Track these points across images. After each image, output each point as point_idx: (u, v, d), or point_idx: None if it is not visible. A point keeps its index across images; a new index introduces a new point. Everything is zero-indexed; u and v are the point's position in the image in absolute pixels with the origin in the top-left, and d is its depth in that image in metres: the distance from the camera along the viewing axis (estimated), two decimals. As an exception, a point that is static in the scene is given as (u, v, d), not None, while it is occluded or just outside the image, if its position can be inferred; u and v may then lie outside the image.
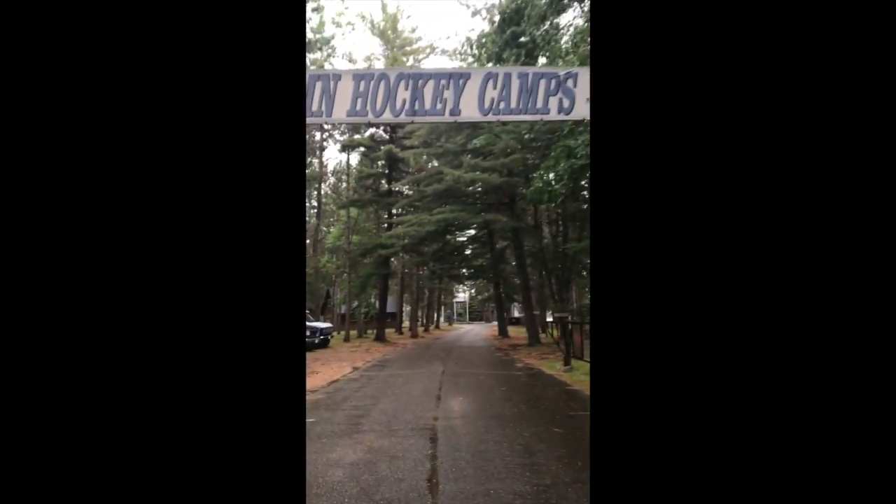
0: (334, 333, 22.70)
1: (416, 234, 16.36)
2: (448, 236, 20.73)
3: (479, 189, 17.54)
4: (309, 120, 4.92)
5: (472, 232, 26.83)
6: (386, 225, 23.17)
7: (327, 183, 37.34)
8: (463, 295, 64.26)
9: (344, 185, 25.04)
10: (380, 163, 23.15)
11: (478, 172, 14.45)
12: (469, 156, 16.01)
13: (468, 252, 26.73)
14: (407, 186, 22.12)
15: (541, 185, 11.38)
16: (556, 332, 12.94)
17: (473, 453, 3.77)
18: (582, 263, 21.19)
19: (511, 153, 14.55)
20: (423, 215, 15.38)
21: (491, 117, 5.34)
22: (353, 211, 26.74)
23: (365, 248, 20.98)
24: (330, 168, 31.60)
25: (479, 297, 59.24)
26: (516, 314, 45.81)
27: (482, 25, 19.21)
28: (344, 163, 26.91)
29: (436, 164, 17.69)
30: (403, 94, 5.07)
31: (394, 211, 22.52)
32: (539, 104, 5.11)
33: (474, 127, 17.06)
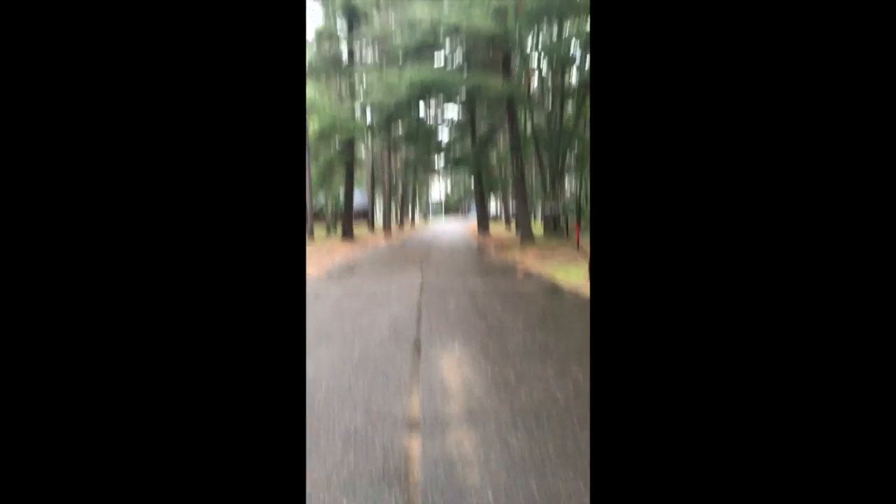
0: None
1: (383, 106, 12.69)
2: (422, 110, 16.94)
3: (463, 47, 13.64)
4: None
5: (451, 117, 23.02)
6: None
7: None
8: (438, 188, 61.10)
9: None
10: (338, 24, 18.45)
11: (464, 16, 10.53)
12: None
13: (444, 141, 23.13)
14: (371, 48, 17.77)
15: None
16: (576, 228, 10.18)
17: None
18: (577, 149, 18.13)
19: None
20: (391, 74, 11.64)
21: None
22: (310, 90, 22.37)
23: (323, 130, 17.23)
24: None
25: (456, 193, 56.20)
26: (492, 210, 43.32)
27: None
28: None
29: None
30: None
31: (356, 85, 18.36)
32: None
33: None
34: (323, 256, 11.94)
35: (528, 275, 8.01)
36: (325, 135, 17.70)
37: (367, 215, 28.79)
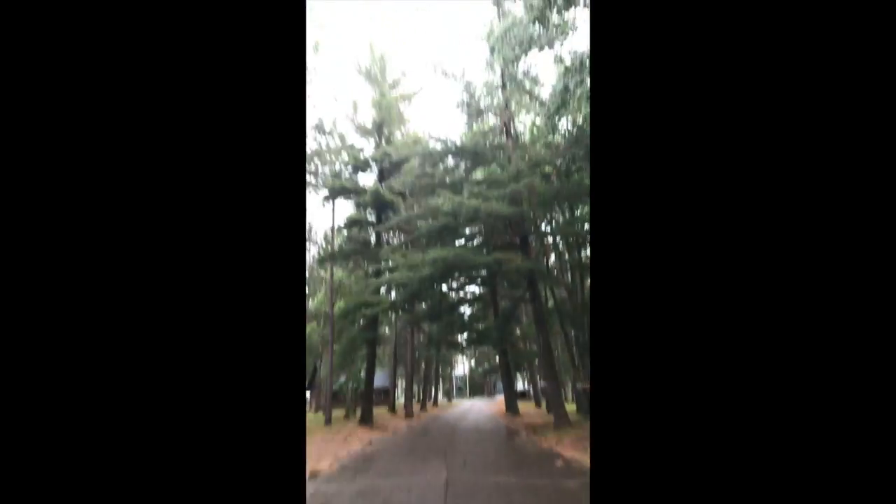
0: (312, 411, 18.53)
1: (407, 283, 12.95)
2: (445, 286, 17.24)
3: (482, 229, 14.46)
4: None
5: (473, 289, 23.54)
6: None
7: (314, 245, 34.17)
8: (462, 365, 59.53)
9: (322, 234, 21.83)
10: (368, 214, 20.22)
11: (482, 201, 11.34)
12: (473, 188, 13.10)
13: (467, 313, 23.21)
14: (396, 233, 19.05)
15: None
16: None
17: None
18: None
19: (522, 179, 11.65)
20: (415, 255, 12.11)
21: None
22: (339, 272, 23.51)
23: (347, 309, 17.48)
24: (315, 224, 28.62)
25: (480, 369, 54.49)
26: (520, 387, 41.19)
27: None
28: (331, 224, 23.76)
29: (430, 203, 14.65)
30: None
31: (382, 265, 19.28)
32: None
33: (478, 159, 14.38)
34: (338, 445, 10.87)
35: (568, 465, 6.91)
36: (349, 312, 17.90)
37: (389, 395, 27.47)
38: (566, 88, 8.30)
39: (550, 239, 16.98)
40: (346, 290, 22.22)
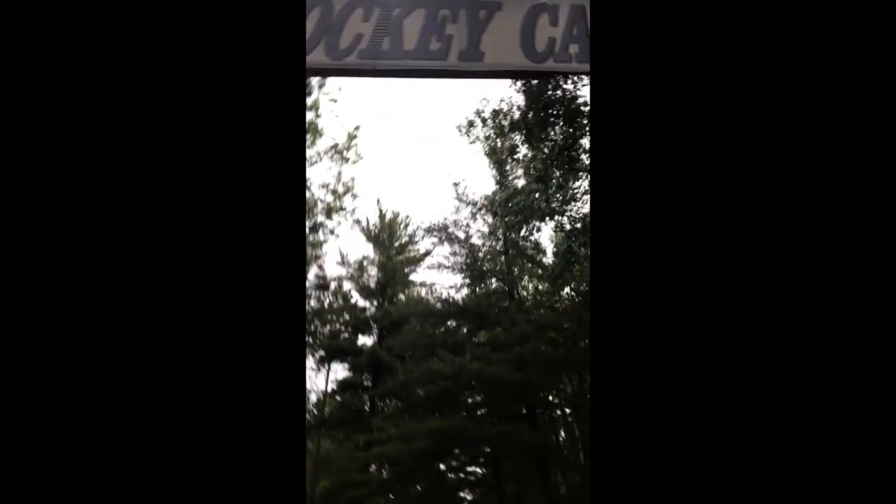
0: None
1: (400, 459, 11.45)
2: (443, 465, 15.36)
3: (486, 398, 13.38)
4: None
5: (475, 469, 21.01)
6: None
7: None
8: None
9: (314, 399, 20.34)
10: (364, 376, 19.16)
11: (485, 365, 10.63)
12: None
13: (467, 500, 20.34)
14: (392, 400, 17.69)
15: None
16: None
17: None
18: None
19: (527, 343, 11.10)
20: (410, 425, 10.91)
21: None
22: (326, 444, 21.40)
23: (331, 489, 15.36)
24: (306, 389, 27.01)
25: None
26: None
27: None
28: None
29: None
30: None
31: (374, 435, 17.52)
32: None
33: (481, 321, 14.02)
34: None
35: None
36: (333, 494, 15.67)
37: None
38: (570, 251, 8.30)
39: (559, 411, 15.64)
40: (332, 466, 19.94)
